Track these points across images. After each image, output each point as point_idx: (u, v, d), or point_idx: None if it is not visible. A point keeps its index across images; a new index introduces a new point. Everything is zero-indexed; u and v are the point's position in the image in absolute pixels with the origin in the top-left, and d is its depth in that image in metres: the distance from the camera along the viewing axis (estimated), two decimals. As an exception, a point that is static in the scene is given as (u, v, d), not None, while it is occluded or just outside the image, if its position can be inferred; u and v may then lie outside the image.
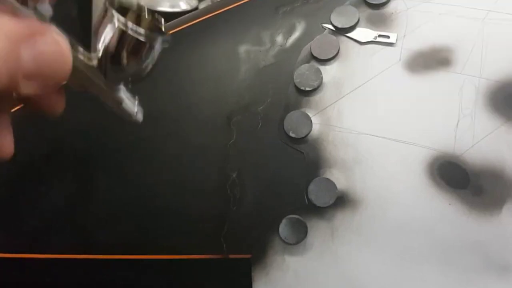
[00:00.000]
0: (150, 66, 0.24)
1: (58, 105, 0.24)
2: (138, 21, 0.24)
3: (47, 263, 0.34)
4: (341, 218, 0.31)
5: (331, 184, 0.31)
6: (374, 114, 0.32)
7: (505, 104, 0.31)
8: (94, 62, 0.23)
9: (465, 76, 0.32)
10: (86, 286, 0.35)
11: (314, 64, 0.34)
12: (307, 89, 0.34)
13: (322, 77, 0.34)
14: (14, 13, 0.19)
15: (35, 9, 0.20)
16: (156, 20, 0.25)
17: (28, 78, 0.19)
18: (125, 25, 0.22)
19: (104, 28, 0.22)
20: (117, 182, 0.34)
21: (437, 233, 0.30)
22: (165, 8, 0.23)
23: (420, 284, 0.30)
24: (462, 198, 0.30)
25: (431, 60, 0.33)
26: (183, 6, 0.23)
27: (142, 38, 0.22)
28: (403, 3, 0.35)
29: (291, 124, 0.33)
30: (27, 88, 0.19)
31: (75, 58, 0.21)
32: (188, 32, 0.38)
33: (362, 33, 0.35)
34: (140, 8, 0.24)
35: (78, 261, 0.33)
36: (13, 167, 0.35)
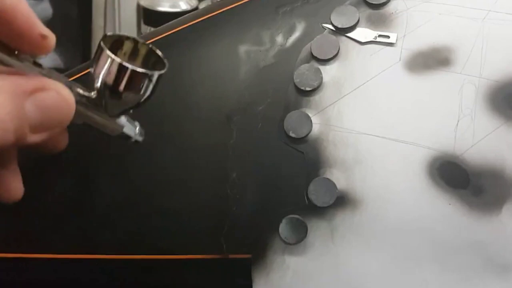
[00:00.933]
0: (148, 95, 0.24)
1: (63, 142, 0.25)
2: (135, 51, 0.25)
3: (47, 263, 0.34)
4: (341, 218, 0.31)
5: (331, 184, 0.31)
6: (374, 114, 0.32)
7: (505, 104, 0.31)
8: (93, 99, 0.23)
9: (465, 76, 0.32)
10: (86, 286, 0.35)
11: (314, 64, 0.34)
12: (307, 89, 0.34)
13: (322, 77, 0.34)
14: (14, 71, 0.20)
15: (33, 64, 0.21)
16: (151, 49, 0.25)
17: (34, 129, 0.20)
18: (121, 64, 0.22)
19: (101, 65, 0.22)
20: (117, 182, 0.34)
21: (437, 233, 0.30)
22: (165, 8, 0.23)
23: (420, 284, 0.30)
24: (462, 198, 0.30)
25: (431, 60, 0.33)
26: (183, 6, 0.24)
27: (138, 75, 0.23)
28: (403, 3, 0.35)
29: (291, 124, 0.33)
30: (34, 138, 0.20)
31: (75, 100, 0.22)
32: (188, 32, 0.38)
33: (362, 33, 0.34)
34: (135, 40, 0.25)
35: (78, 261, 0.33)
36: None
